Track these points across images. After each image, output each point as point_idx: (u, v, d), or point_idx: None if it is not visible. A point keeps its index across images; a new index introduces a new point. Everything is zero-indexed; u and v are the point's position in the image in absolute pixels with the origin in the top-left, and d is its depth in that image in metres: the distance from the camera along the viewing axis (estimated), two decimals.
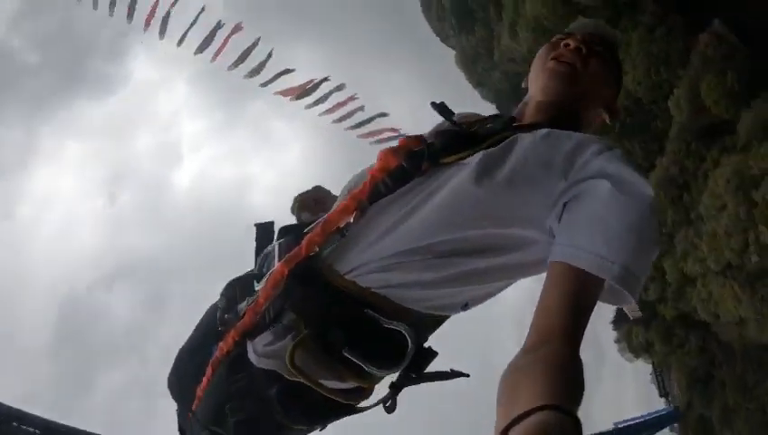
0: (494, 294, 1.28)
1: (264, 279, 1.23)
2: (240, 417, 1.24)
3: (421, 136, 1.26)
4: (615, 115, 1.38)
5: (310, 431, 1.32)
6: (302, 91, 18.60)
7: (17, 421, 18.54)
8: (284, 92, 18.89)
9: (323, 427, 1.33)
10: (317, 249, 1.20)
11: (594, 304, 0.96)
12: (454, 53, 36.78)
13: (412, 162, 1.19)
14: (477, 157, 1.15)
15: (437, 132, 1.27)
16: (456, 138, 1.22)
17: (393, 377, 1.22)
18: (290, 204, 1.63)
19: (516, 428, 0.67)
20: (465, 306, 1.25)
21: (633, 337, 28.05)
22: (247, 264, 1.43)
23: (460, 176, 1.13)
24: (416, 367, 1.20)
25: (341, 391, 1.20)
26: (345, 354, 1.13)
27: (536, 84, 1.31)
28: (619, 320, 28.64)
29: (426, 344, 1.24)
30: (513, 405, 0.74)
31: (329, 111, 18.55)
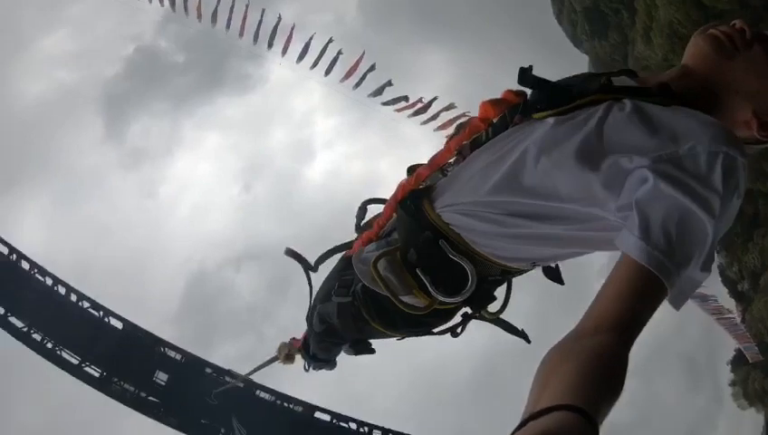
0: (564, 258, 1.32)
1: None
2: (340, 299, 1.55)
3: (524, 92, 1.27)
4: (766, 129, 1.20)
5: (386, 334, 1.56)
6: (416, 110, 19.24)
7: (163, 347, 21.40)
8: (401, 110, 19.67)
9: (399, 336, 1.56)
10: (423, 183, 1.39)
11: (659, 301, 0.92)
12: (587, 58, 34.91)
13: (509, 114, 1.25)
14: (551, 120, 1.15)
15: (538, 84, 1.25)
16: (550, 93, 1.20)
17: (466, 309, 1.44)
18: None
19: (533, 423, 0.66)
20: (534, 264, 1.34)
21: (750, 382, 24.54)
22: None
23: (533, 138, 1.15)
24: (476, 303, 1.37)
25: (411, 307, 1.35)
26: (418, 272, 1.31)
27: (688, 49, 1.24)
28: (738, 361, 25.22)
29: (494, 288, 1.40)
30: (540, 396, 0.75)
31: (440, 127, 18.97)
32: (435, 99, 18.06)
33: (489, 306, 1.47)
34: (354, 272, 1.45)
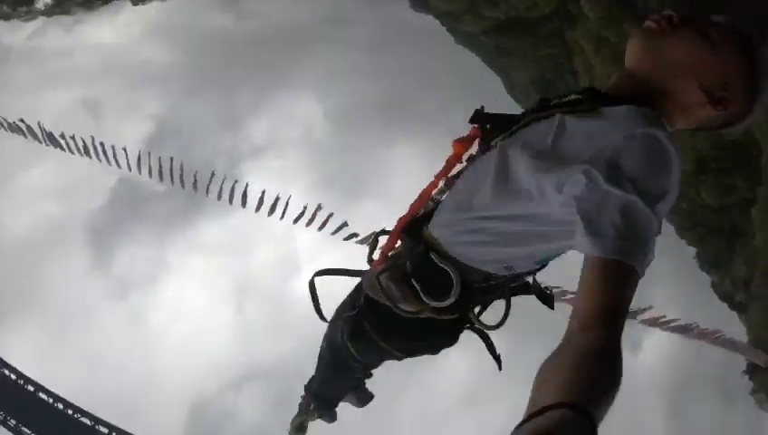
0: (540, 259, 1.41)
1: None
2: (347, 313, 1.74)
3: (485, 127, 1.43)
4: (722, 103, 1.20)
5: (383, 349, 1.68)
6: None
7: None
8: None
9: (398, 353, 1.69)
10: (420, 211, 1.56)
11: (630, 280, 0.96)
12: None
13: (480, 147, 1.41)
14: (506, 142, 1.30)
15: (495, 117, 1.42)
16: (499, 122, 1.37)
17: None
18: None
19: (530, 422, 0.69)
20: (510, 269, 1.42)
21: None
22: None
23: (493, 161, 1.30)
24: (462, 307, 1.49)
25: (407, 311, 1.51)
26: (413, 282, 1.47)
27: (626, 53, 1.28)
28: (752, 369, 24.94)
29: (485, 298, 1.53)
30: (537, 397, 0.78)
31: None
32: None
33: (485, 319, 1.60)
34: (360, 293, 1.68)
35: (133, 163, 13.31)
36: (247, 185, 13.42)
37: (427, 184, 1.54)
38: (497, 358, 1.65)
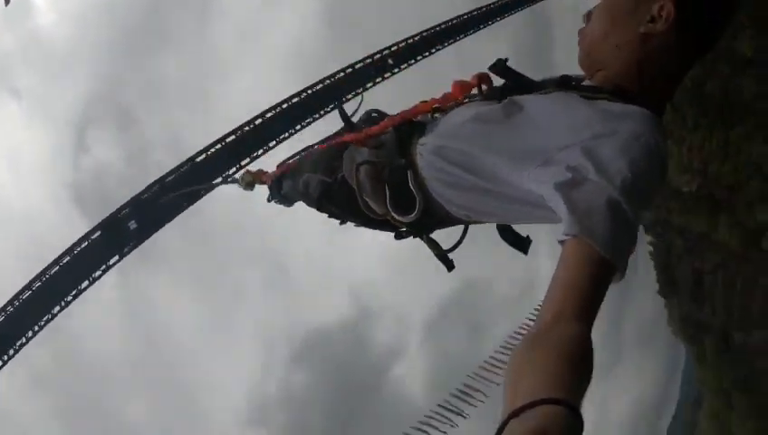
0: (496, 216, 1.43)
1: (383, 119, 1.67)
2: (324, 178, 1.79)
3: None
4: (662, 18, 1.16)
5: (339, 216, 1.84)
6: None
7: None
8: None
9: (343, 220, 1.85)
10: (418, 117, 1.54)
11: (609, 279, 0.94)
12: None
13: (500, 90, 1.40)
14: (507, 103, 1.30)
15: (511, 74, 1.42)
16: (518, 82, 1.38)
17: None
18: None
19: (515, 421, 0.66)
20: (467, 216, 1.47)
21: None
22: None
23: (486, 110, 1.33)
24: (417, 228, 1.58)
25: (370, 209, 1.58)
26: (385, 187, 1.51)
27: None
28: None
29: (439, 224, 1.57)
30: (517, 391, 0.73)
31: None
32: None
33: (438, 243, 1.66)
34: (341, 163, 1.72)
35: None
36: None
37: (445, 93, 1.53)
38: (448, 262, 1.66)
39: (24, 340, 22.30)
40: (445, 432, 9.10)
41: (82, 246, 22.53)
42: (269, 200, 2.42)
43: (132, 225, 22.68)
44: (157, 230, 23.21)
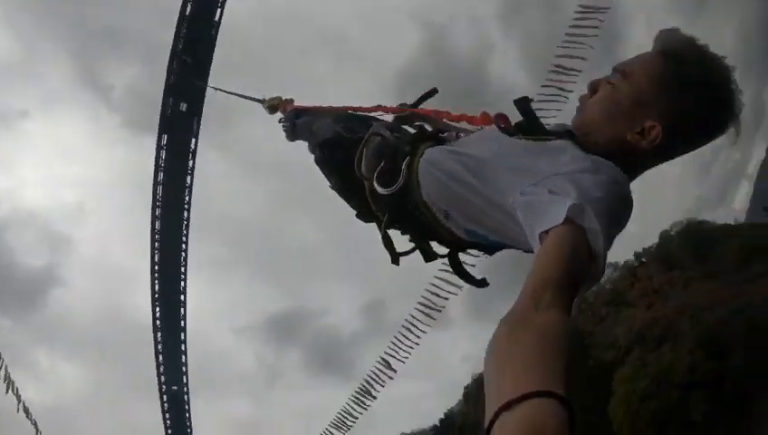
0: (472, 222, 1.51)
1: (416, 122, 2.02)
2: (340, 130, 2.07)
3: (506, 116, 1.52)
4: (649, 137, 1.29)
5: (329, 176, 2.06)
6: None
7: None
8: None
9: (329, 173, 2.07)
10: (444, 134, 1.76)
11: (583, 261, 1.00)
12: None
13: (515, 127, 1.47)
14: (522, 142, 1.41)
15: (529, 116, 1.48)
16: (533, 125, 1.44)
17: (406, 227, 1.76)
18: None
19: (507, 415, 0.64)
20: (447, 216, 1.58)
21: None
22: None
23: (505, 141, 1.45)
24: (394, 211, 1.71)
25: (359, 168, 1.80)
26: (381, 160, 1.71)
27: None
28: None
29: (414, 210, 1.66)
30: (503, 384, 0.70)
31: None
32: None
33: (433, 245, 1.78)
34: (361, 128, 1.96)
35: None
36: None
37: (468, 118, 1.76)
38: (396, 257, 1.82)
39: None
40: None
41: None
42: (279, 121, 2.76)
43: None
44: None
